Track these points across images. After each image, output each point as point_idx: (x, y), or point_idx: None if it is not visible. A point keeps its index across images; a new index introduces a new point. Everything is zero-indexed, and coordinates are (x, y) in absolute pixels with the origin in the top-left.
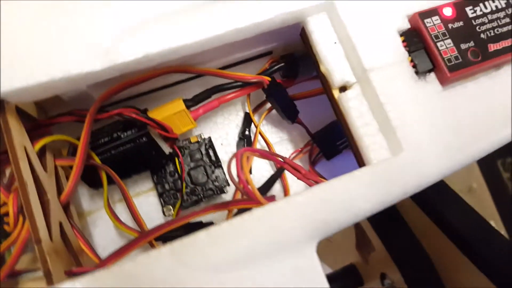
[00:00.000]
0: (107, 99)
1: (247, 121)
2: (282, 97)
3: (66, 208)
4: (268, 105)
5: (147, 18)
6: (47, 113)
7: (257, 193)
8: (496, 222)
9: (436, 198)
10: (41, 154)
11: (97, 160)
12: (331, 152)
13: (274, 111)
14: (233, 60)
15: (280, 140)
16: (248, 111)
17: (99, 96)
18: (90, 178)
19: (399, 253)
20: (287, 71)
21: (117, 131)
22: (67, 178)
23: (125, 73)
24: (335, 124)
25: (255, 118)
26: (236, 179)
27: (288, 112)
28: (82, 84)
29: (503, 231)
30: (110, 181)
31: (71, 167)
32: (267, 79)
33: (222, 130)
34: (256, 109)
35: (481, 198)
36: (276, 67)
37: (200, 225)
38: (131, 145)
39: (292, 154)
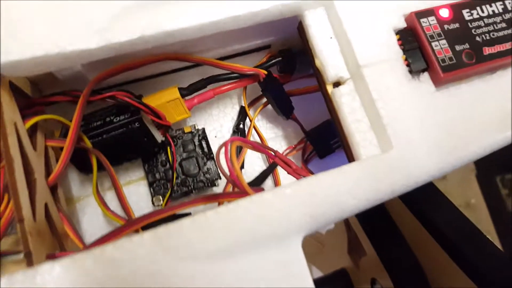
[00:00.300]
0: (102, 81)
1: (242, 114)
2: (278, 91)
3: (53, 190)
4: (264, 100)
5: (144, 0)
6: (41, 92)
7: (244, 182)
8: (492, 238)
9: (425, 201)
10: (32, 132)
11: (88, 143)
12: (324, 151)
13: (269, 106)
14: (231, 51)
15: (274, 136)
16: (243, 105)
17: (93, 78)
18: (81, 162)
19: (390, 259)
20: (284, 66)
21: (110, 116)
22: (58, 160)
23: (120, 54)
24: (330, 123)
25: (250, 112)
26: (225, 168)
27: (283, 108)
28: (77, 62)
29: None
30: (101, 167)
31: (62, 149)
32: (263, 72)
33: (217, 122)
34: (252, 104)
35: (479, 214)
36: (273, 61)
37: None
38: (123, 130)
39: (285, 150)
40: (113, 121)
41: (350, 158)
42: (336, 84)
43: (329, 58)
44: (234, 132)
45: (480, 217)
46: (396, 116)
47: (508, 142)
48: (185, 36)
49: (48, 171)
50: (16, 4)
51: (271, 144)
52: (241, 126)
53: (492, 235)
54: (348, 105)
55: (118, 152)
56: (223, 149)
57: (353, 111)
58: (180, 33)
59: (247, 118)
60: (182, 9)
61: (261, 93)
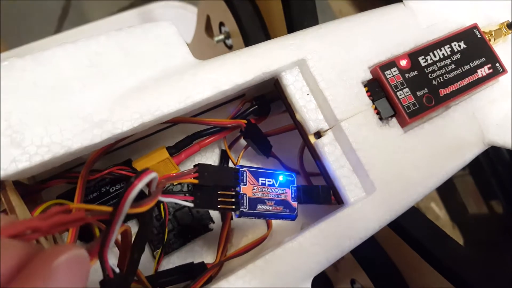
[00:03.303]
0: (98, 160)
1: (225, 158)
2: (258, 137)
3: None
4: (242, 141)
5: (137, 86)
6: (35, 177)
7: None
8: None
9: None
10: None
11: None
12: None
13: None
14: (209, 105)
15: None
16: (224, 149)
17: (89, 158)
18: (82, 233)
19: (366, 259)
20: (259, 111)
21: (104, 186)
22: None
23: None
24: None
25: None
26: None
27: (263, 149)
28: (82, 154)
29: None
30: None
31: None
32: (244, 122)
33: None
34: (230, 146)
35: None
36: (250, 110)
37: (191, 266)
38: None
39: None
40: (109, 191)
41: (338, 200)
42: (317, 133)
43: (308, 113)
44: None
45: None
46: (374, 161)
47: (465, 164)
48: (179, 113)
49: None
50: (14, 109)
51: None
52: None
53: None
54: (331, 154)
55: None
56: None
57: (336, 159)
58: (176, 112)
59: (230, 161)
60: (176, 92)
61: (237, 135)
